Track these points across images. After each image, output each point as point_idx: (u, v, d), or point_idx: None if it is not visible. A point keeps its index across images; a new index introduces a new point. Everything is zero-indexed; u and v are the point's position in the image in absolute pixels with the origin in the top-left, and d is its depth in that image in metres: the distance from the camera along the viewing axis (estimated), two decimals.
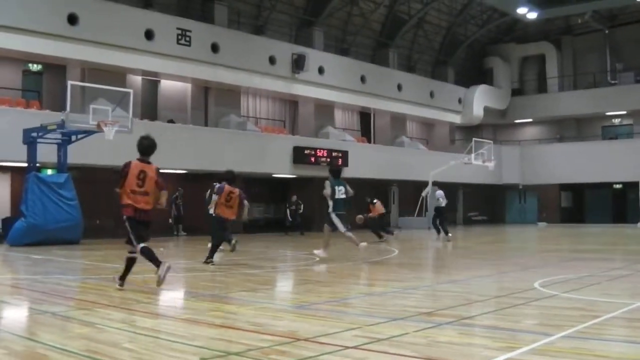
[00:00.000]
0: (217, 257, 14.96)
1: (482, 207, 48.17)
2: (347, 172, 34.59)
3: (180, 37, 29.02)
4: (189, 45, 29.30)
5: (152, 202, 9.86)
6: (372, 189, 31.10)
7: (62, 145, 22.29)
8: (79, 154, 22.75)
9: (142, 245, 9.72)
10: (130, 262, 10.00)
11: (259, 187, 32.89)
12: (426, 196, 36.79)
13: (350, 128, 40.76)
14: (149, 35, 27.89)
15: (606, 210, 44.31)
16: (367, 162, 36.00)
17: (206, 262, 14.05)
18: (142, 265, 15.11)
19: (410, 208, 38.80)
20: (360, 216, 21.05)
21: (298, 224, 30.28)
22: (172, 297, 10.14)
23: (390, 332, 6.55)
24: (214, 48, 30.35)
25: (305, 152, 32.63)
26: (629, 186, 43.02)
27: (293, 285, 11.71)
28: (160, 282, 9.64)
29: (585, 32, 47.90)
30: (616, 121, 47.64)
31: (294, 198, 30.55)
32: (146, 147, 9.79)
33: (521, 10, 40.24)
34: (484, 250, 20.74)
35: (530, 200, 47.46)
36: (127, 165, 9.68)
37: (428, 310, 7.93)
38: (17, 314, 8.24)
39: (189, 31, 29.35)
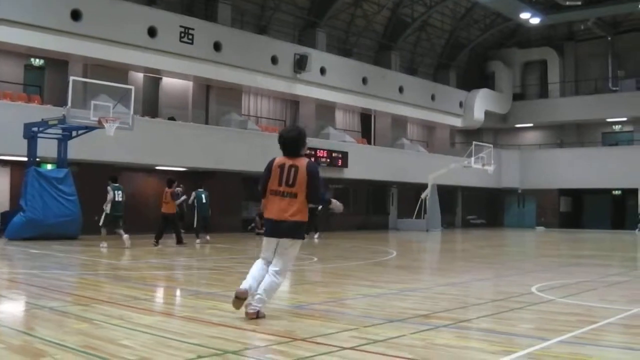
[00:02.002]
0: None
1: (481, 210, 48.19)
2: (346, 173, 34.74)
3: (183, 34, 29.00)
4: (192, 43, 29.28)
5: None
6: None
7: (63, 141, 22.31)
8: (79, 149, 22.77)
9: None
10: None
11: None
12: (425, 198, 36.83)
13: (350, 129, 40.76)
14: (151, 32, 27.87)
15: (605, 216, 44.29)
16: (367, 163, 36.01)
17: None
18: (140, 262, 15.15)
19: (409, 210, 38.82)
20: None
21: None
22: (170, 295, 10.16)
23: (387, 333, 6.57)
24: (217, 46, 30.33)
25: (306, 152, 32.58)
26: (628, 193, 43.05)
27: (291, 285, 11.71)
28: None
29: (588, 38, 47.90)
30: (617, 128, 47.65)
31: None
32: None
33: (524, 16, 40.27)
34: (482, 253, 20.75)
35: (529, 204, 47.45)
36: None
37: (425, 313, 7.95)
38: (14, 309, 8.25)
39: (192, 29, 29.34)
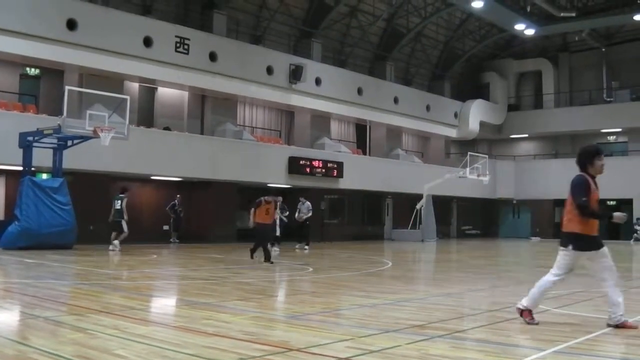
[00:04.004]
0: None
1: (476, 221, 48.24)
2: (342, 184, 34.76)
3: (178, 44, 29.02)
4: (187, 53, 29.28)
5: None
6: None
7: (58, 150, 22.27)
8: (74, 159, 22.74)
9: None
10: None
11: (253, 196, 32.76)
12: (420, 209, 36.84)
13: (345, 139, 40.80)
14: (147, 42, 27.86)
15: (600, 226, 44.07)
16: (362, 173, 36.05)
17: None
18: (134, 272, 15.12)
19: (404, 220, 38.82)
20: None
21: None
22: (165, 305, 10.14)
23: (382, 344, 6.57)
24: (212, 57, 30.33)
25: (301, 162, 32.63)
26: (623, 203, 43.08)
27: (286, 295, 11.71)
28: None
29: (582, 49, 48.07)
30: (611, 138, 47.75)
31: (280, 199, 29.09)
32: None
33: (519, 27, 40.36)
34: (477, 264, 20.75)
35: (524, 215, 47.50)
36: None
37: (421, 323, 7.94)
38: (9, 318, 8.22)
39: (188, 39, 29.35)
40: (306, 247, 25.09)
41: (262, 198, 18.12)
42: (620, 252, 29.80)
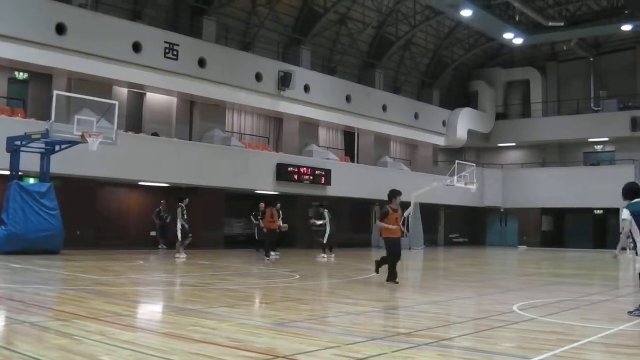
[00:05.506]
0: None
1: (463, 229, 48.31)
2: (329, 191, 34.74)
3: (167, 50, 28.98)
4: (176, 59, 29.25)
5: None
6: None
7: (46, 155, 22.19)
8: (62, 163, 22.64)
9: None
10: None
11: (241, 202, 32.75)
12: (408, 217, 36.85)
13: (334, 147, 40.81)
14: (136, 47, 27.82)
15: (587, 235, 44.52)
16: (350, 181, 36.04)
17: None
18: (121, 278, 15.07)
19: None
20: None
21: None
22: (151, 311, 10.11)
23: (368, 351, 6.57)
24: (201, 63, 30.32)
25: (289, 169, 32.60)
26: (609, 212, 43.25)
27: (273, 303, 11.70)
28: None
29: (571, 59, 48.30)
30: (598, 148, 47.99)
31: (262, 206, 26.43)
32: None
33: (507, 36, 40.54)
34: (464, 272, 20.78)
35: (511, 223, 47.64)
36: None
37: (407, 331, 7.95)
38: None
39: (177, 45, 29.33)
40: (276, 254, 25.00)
41: (387, 207, 15.35)
42: (607, 261, 29.91)
